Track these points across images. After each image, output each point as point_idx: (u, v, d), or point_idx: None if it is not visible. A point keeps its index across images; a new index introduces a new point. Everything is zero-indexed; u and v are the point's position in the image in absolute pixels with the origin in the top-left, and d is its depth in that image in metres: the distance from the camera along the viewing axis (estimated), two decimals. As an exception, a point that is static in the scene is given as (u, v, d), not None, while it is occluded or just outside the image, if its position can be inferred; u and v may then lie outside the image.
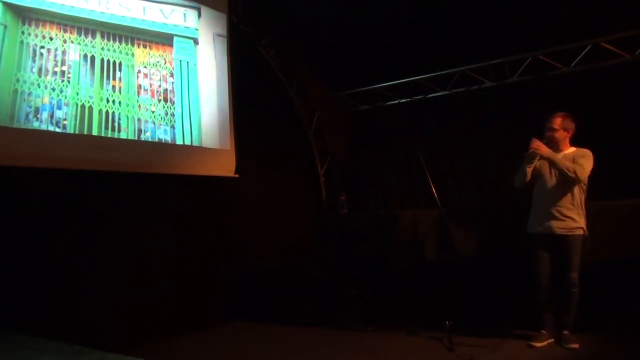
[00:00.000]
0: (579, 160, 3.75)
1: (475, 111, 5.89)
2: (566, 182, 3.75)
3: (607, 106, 4.93)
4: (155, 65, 4.65)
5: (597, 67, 4.95)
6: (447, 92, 6.00)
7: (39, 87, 3.81)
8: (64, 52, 4.00)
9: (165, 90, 4.70)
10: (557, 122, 3.84)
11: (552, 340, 3.82)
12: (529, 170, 3.89)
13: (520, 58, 5.37)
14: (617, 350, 3.69)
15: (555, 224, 3.77)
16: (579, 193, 3.79)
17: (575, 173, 3.69)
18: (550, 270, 3.82)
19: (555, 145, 3.86)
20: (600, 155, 3.89)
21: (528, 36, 5.11)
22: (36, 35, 3.84)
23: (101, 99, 4.18)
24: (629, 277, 4.09)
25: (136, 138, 4.38)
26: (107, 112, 4.20)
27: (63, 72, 3.97)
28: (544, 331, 3.84)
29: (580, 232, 3.76)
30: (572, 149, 3.86)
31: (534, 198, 3.95)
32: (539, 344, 3.78)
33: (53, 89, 3.88)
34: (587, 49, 4.98)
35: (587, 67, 5.03)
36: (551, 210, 3.79)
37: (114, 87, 4.29)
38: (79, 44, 4.09)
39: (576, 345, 3.70)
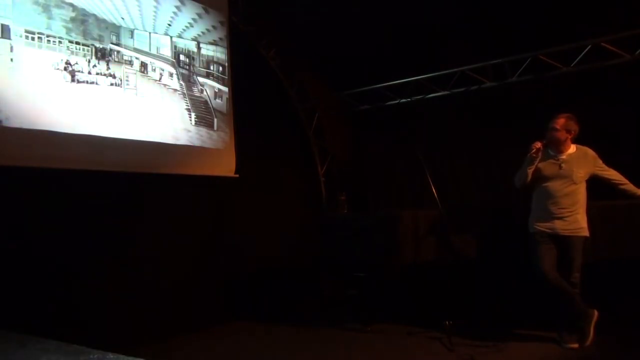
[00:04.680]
0: (605, 175, 3.83)
1: (475, 111, 5.90)
2: (571, 183, 3.77)
3: (607, 106, 4.93)
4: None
5: (597, 67, 4.95)
6: (447, 92, 6.00)
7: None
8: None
9: (165, 90, 4.69)
10: (560, 122, 3.83)
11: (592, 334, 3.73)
12: (530, 171, 3.89)
13: (520, 58, 5.37)
14: (617, 350, 3.69)
15: (559, 225, 3.77)
16: (582, 194, 3.80)
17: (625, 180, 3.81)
18: (555, 264, 3.79)
19: (556, 146, 3.87)
20: (601, 155, 3.89)
21: (528, 36, 5.10)
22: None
23: (101, 99, 4.18)
24: (629, 277, 4.09)
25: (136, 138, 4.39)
26: (107, 112, 4.20)
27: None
28: (589, 317, 3.71)
29: (584, 232, 3.76)
30: (574, 148, 3.87)
31: (536, 198, 3.95)
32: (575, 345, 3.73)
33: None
34: (587, 49, 4.98)
35: (587, 67, 5.03)
36: (555, 211, 3.79)
37: (114, 87, 4.29)
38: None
39: (576, 345, 3.70)
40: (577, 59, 5.07)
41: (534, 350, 3.77)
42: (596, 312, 3.71)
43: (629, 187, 3.84)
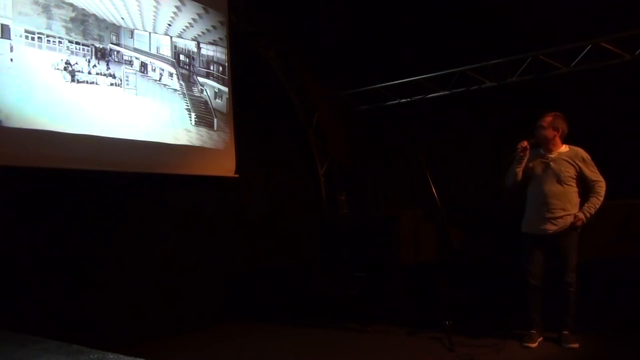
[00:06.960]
0: (587, 172, 3.72)
1: (475, 111, 5.90)
2: (560, 183, 3.76)
3: (607, 106, 4.93)
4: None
5: (597, 67, 4.95)
6: (447, 92, 6.00)
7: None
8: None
9: (165, 90, 4.70)
10: (547, 120, 3.85)
11: (541, 338, 3.86)
12: (519, 170, 3.90)
13: (520, 58, 5.36)
14: (617, 350, 3.69)
15: (548, 226, 3.76)
16: (573, 195, 3.78)
17: (601, 194, 3.69)
18: (542, 270, 3.82)
19: (545, 144, 3.87)
20: (601, 155, 3.89)
21: (528, 36, 5.11)
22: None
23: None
24: (628, 276, 4.09)
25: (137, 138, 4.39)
26: (107, 112, 4.20)
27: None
28: (533, 331, 3.85)
29: (574, 232, 3.75)
30: (566, 148, 3.86)
31: (528, 198, 3.95)
32: (533, 345, 3.79)
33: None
34: (587, 49, 4.98)
35: (587, 67, 5.03)
36: (545, 211, 3.78)
37: (114, 87, 4.29)
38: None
39: (576, 345, 3.71)
40: (577, 59, 5.07)
41: (534, 350, 3.77)
42: (539, 338, 3.83)
43: (590, 200, 3.72)
